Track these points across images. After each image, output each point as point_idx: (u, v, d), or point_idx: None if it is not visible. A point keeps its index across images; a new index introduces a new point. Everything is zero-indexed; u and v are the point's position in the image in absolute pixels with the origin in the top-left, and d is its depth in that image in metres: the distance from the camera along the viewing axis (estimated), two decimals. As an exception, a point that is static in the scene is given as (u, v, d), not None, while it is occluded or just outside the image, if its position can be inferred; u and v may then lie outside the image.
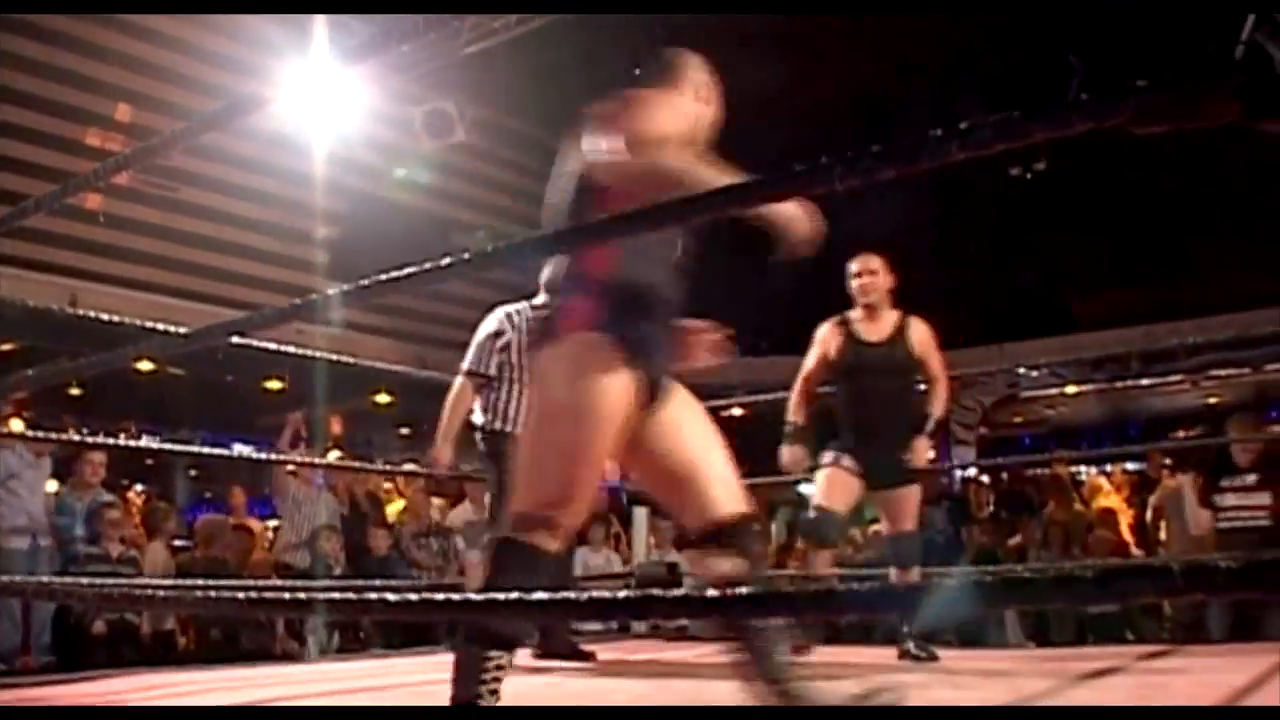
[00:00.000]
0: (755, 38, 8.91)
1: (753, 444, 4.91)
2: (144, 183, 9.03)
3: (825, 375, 5.16)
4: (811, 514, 5.07)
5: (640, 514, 6.93)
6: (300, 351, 5.09)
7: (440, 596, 2.49)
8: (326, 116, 9.17)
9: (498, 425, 5.11)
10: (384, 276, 2.27)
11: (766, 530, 11.69)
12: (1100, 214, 11.63)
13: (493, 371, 5.18)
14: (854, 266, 5.14)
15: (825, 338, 5.17)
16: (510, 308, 5.32)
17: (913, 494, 5.11)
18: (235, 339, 5.12)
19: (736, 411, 8.47)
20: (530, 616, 2.77)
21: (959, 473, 11.25)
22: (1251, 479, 6.71)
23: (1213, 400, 14.95)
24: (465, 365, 5.22)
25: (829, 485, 4.99)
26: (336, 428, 9.70)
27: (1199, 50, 1.18)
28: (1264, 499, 6.67)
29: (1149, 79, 1.20)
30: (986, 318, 11.16)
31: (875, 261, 5.15)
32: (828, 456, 5.03)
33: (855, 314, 5.15)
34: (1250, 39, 1.17)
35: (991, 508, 9.34)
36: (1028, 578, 1.19)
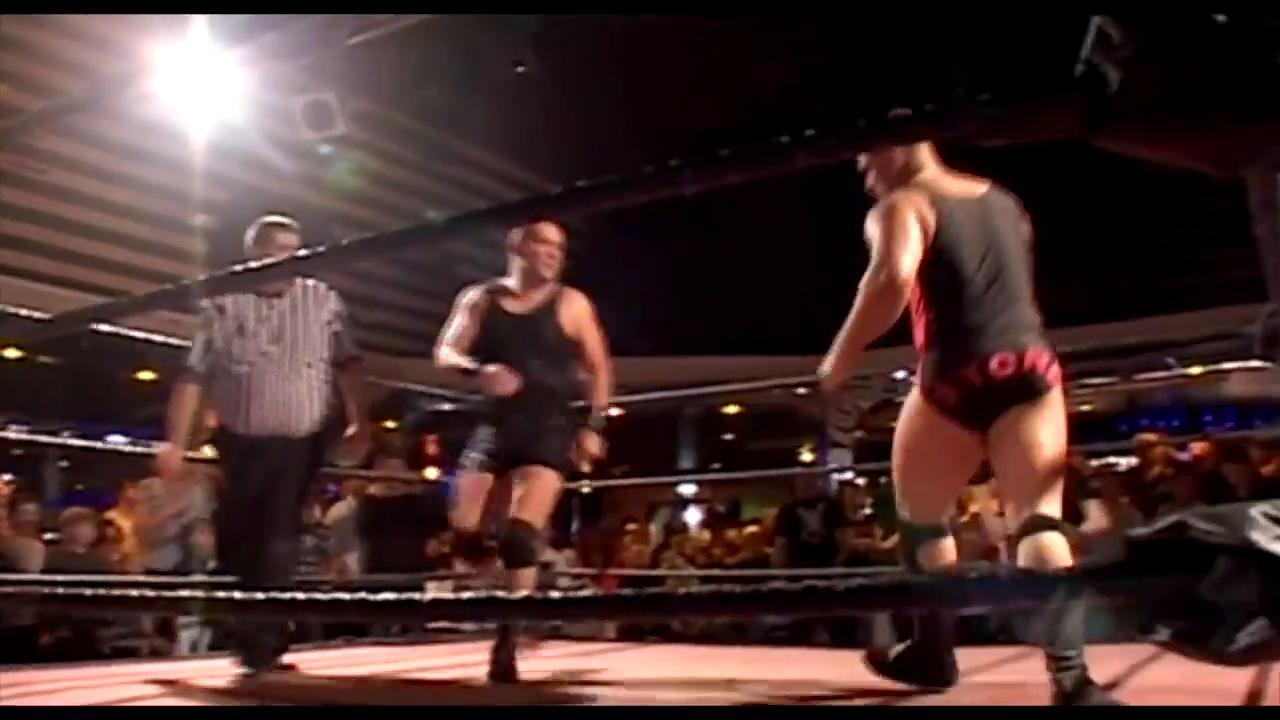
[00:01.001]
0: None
1: (629, 445, 4.91)
2: (13, 164, 8.77)
3: (468, 346, 4.49)
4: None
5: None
6: (171, 341, 4.95)
7: (317, 596, 2.45)
8: (205, 103, 8.99)
9: None
10: (254, 265, 2.25)
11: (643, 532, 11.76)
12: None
13: None
14: (553, 234, 4.57)
15: (470, 304, 4.58)
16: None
17: (539, 478, 4.34)
18: (103, 327, 5.03)
19: (615, 412, 8.48)
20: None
21: (835, 476, 11.40)
22: None
23: (1085, 408, 15.38)
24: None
25: (460, 499, 4.45)
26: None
27: (1039, 68, 1.22)
28: None
29: (992, 93, 1.24)
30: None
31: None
32: (463, 459, 4.56)
33: (510, 283, 4.60)
34: (1089, 58, 1.21)
35: (867, 510, 9.46)
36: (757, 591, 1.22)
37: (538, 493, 4.31)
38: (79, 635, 6.94)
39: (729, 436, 16.86)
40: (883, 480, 9.24)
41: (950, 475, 3.34)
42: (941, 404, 3.12)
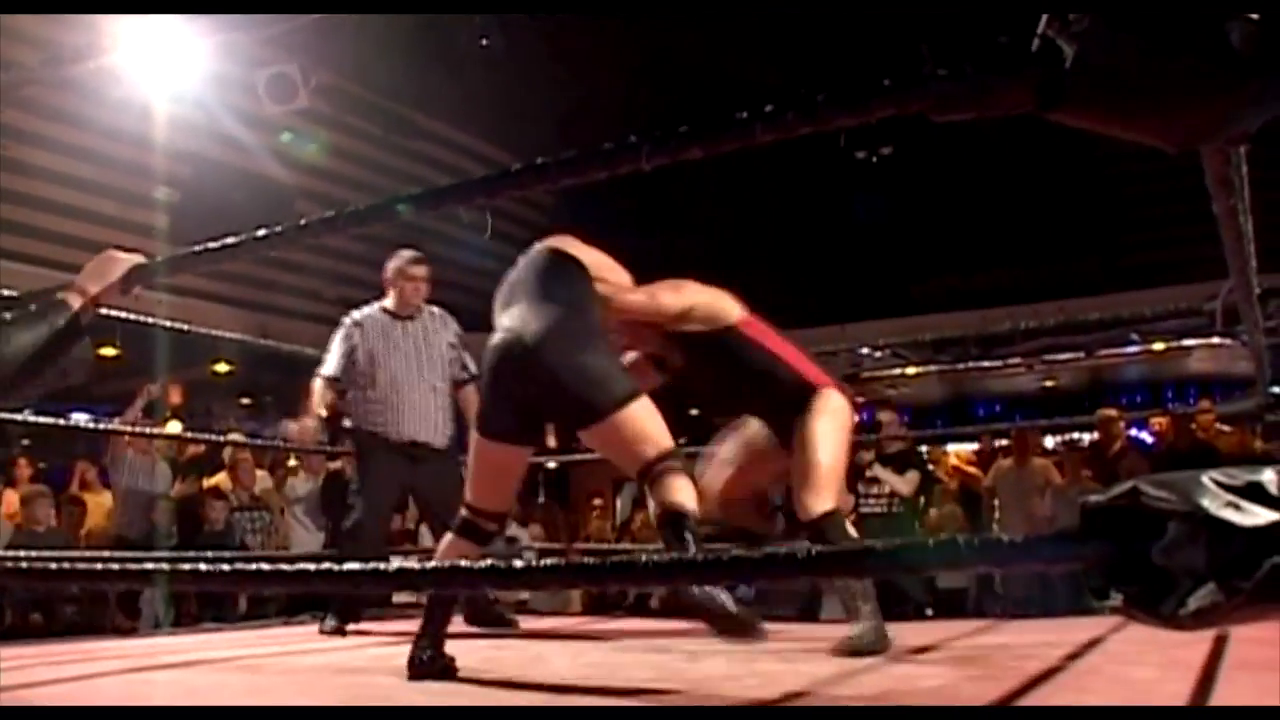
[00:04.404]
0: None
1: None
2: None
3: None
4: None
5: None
6: (130, 317, 4.90)
7: (287, 567, 2.45)
8: (167, 76, 8.89)
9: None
10: (215, 244, 2.24)
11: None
12: (942, 200, 11.96)
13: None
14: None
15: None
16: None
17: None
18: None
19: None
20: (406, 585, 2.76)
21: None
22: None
23: (1049, 384, 15.50)
24: None
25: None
26: (176, 397, 9.48)
27: (993, 42, 1.23)
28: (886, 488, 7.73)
29: (948, 68, 1.26)
30: (829, 298, 11.41)
31: None
32: None
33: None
34: (1044, 33, 1.23)
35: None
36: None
37: None
38: (44, 613, 6.92)
39: (695, 412, 16.87)
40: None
41: None
42: None
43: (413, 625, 3.51)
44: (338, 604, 5.27)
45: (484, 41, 9.74)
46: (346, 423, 5.84)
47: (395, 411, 5.32)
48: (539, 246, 3.56)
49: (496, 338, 3.29)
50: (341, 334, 5.45)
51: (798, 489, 3.76)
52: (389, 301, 5.50)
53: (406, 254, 5.53)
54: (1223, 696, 2.54)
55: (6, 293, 4.16)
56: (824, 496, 3.69)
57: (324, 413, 5.48)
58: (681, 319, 3.82)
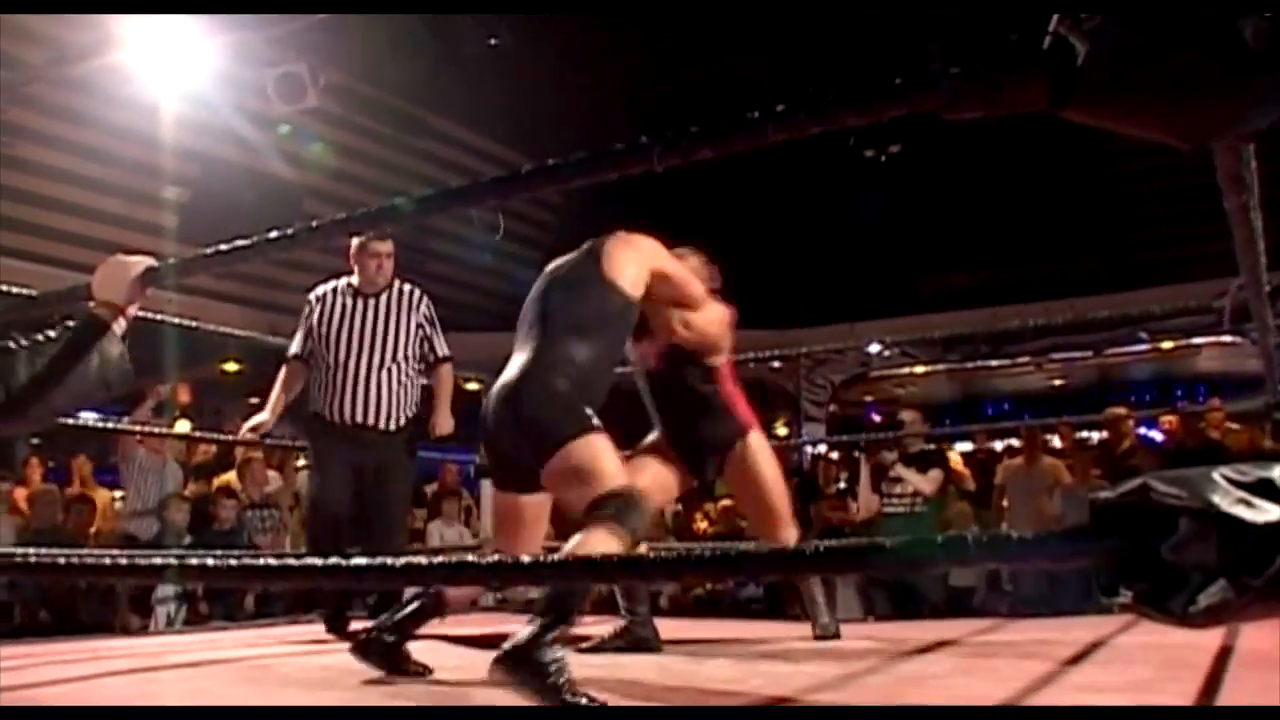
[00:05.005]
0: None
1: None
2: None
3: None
4: None
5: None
6: (139, 314, 4.91)
7: (294, 562, 2.45)
8: (175, 75, 8.89)
9: None
10: (226, 246, 2.24)
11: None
12: (949, 197, 11.94)
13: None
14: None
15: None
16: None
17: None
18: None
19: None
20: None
21: (809, 449, 11.44)
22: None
23: (1058, 382, 15.47)
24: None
25: None
26: (185, 396, 9.50)
27: (1004, 40, 1.23)
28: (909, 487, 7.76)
29: (959, 66, 1.25)
30: (837, 296, 11.39)
31: None
32: None
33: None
34: (1056, 30, 1.22)
35: (841, 484, 9.52)
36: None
37: None
38: (53, 612, 6.94)
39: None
40: (855, 454, 9.37)
41: None
42: None
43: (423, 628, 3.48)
44: (329, 607, 5.20)
45: (494, 40, 9.73)
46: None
47: (339, 391, 5.05)
48: (558, 264, 3.51)
49: (494, 395, 3.28)
50: (305, 311, 5.30)
51: (767, 522, 4.25)
52: (355, 278, 5.24)
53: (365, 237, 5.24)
54: (1229, 695, 2.54)
55: (14, 290, 4.16)
56: (791, 529, 4.27)
57: (277, 407, 5.29)
58: (705, 347, 4.05)
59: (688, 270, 3.74)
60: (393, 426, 5.10)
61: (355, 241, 5.16)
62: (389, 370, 5.09)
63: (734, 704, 2.82)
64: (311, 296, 5.27)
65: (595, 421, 3.09)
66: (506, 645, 2.65)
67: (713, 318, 3.95)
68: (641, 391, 4.30)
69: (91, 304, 2.22)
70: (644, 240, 3.49)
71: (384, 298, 5.19)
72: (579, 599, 2.86)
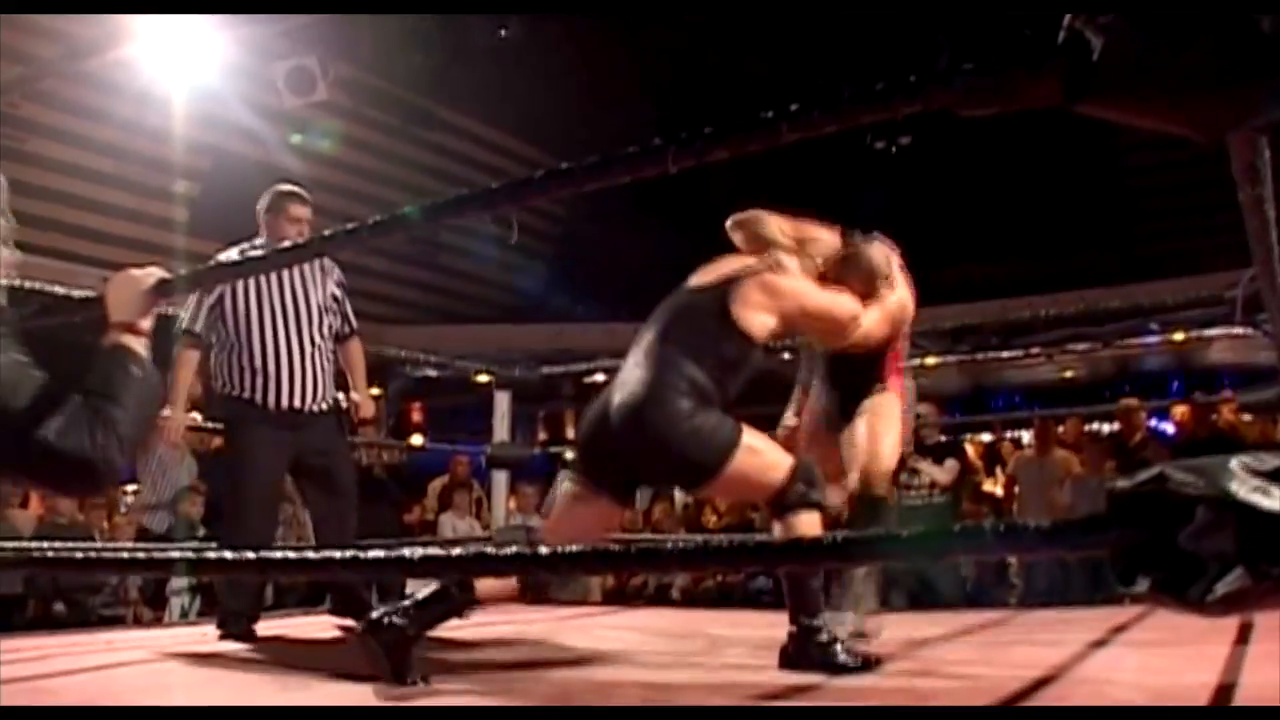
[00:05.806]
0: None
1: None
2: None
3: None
4: None
5: (500, 479, 6.83)
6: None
7: (312, 555, 2.47)
8: (186, 70, 8.91)
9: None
10: (237, 257, 2.25)
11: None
12: (960, 189, 11.93)
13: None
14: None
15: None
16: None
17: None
18: (79, 292, 4.94)
19: (599, 378, 8.51)
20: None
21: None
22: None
23: (1069, 374, 15.43)
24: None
25: None
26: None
27: (1019, 36, 1.24)
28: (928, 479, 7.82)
29: (973, 63, 1.26)
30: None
31: None
32: None
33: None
34: (1070, 25, 1.23)
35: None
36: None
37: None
38: (67, 604, 6.97)
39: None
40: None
41: None
42: None
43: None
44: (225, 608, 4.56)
45: (502, 33, 9.74)
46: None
47: (271, 376, 4.45)
48: (700, 282, 3.40)
49: (611, 400, 3.19)
50: None
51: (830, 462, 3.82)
52: (260, 243, 4.50)
53: (285, 187, 4.64)
54: (1247, 685, 2.53)
55: (29, 285, 4.15)
56: (838, 486, 3.92)
57: (182, 399, 4.65)
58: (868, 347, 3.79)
59: (834, 293, 3.50)
60: (326, 407, 4.62)
61: (266, 199, 4.59)
62: (318, 348, 4.57)
63: (751, 690, 2.82)
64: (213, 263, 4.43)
65: (732, 426, 3.08)
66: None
67: (871, 321, 3.60)
68: (813, 360, 4.22)
69: (111, 332, 2.09)
70: (786, 285, 3.33)
71: (305, 267, 4.55)
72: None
